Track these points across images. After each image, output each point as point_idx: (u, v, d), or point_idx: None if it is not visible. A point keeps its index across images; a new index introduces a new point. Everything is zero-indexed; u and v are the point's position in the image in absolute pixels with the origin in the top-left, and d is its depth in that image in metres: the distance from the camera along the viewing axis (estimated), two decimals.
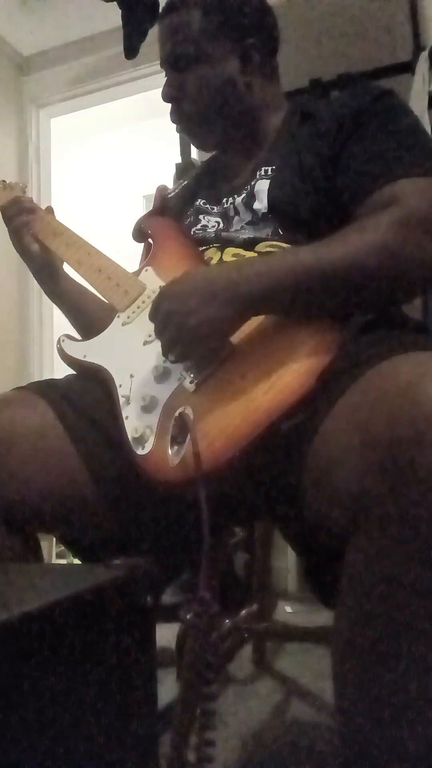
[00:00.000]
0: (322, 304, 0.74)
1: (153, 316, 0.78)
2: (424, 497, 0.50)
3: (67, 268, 1.05)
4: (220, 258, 0.89)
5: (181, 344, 0.74)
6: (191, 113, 0.96)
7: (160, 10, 1.01)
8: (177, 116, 0.98)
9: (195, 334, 0.73)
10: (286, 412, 0.69)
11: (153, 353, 0.81)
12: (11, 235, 1.03)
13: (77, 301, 1.05)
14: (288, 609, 1.90)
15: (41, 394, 0.82)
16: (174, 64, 0.95)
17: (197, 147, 1.07)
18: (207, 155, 1.12)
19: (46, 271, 1.03)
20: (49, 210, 1.06)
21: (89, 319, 1.01)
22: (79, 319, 1.04)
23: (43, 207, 1.09)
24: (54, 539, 2.07)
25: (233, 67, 0.94)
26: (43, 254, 1.02)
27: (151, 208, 1.12)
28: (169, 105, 0.98)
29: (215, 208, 0.97)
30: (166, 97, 0.96)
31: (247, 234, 0.89)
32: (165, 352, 0.77)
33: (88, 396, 0.83)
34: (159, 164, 3.22)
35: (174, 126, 1.01)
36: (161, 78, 0.99)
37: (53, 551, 2.41)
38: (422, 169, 0.79)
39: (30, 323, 2.84)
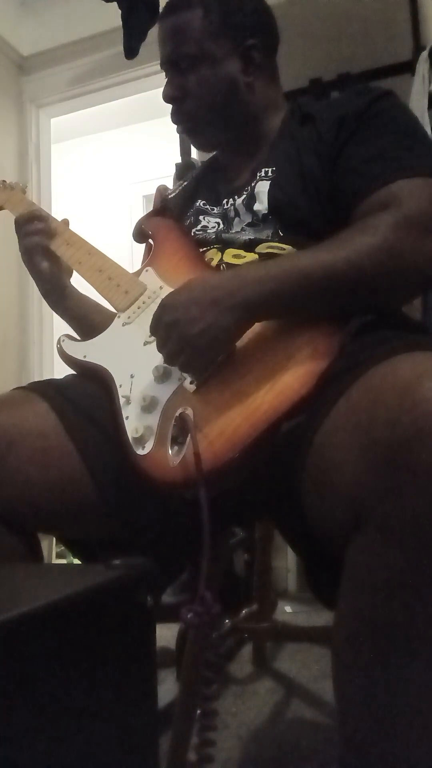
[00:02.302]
0: (322, 306, 0.74)
1: (155, 329, 0.77)
2: (423, 497, 0.50)
3: (74, 282, 1.05)
4: (221, 259, 0.89)
5: (185, 353, 0.74)
6: (192, 113, 0.96)
7: (160, 10, 1.01)
8: (178, 117, 0.98)
9: (197, 342, 0.72)
10: (286, 413, 0.69)
11: (153, 353, 0.80)
12: (22, 253, 1.01)
13: (85, 315, 1.03)
14: (288, 609, 1.90)
15: (41, 394, 0.82)
16: (175, 64, 0.94)
17: (198, 148, 1.07)
18: (207, 155, 1.11)
19: (55, 290, 1.02)
20: (65, 222, 1.04)
21: (97, 332, 1.00)
22: (87, 332, 1.03)
23: (42, 207, 1.09)
24: (54, 539, 2.07)
25: (235, 67, 0.94)
26: (53, 273, 1.00)
27: (151, 208, 1.12)
28: (170, 105, 0.98)
29: (215, 209, 0.98)
30: (167, 97, 0.96)
31: (248, 235, 0.89)
32: (169, 363, 0.77)
33: (88, 396, 0.83)
34: (159, 164, 3.23)
35: (174, 126, 1.01)
36: (161, 78, 0.99)
37: (53, 551, 2.41)
38: (421, 170, 0.79)
39: (30, 323, 2.84)
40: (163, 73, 0.98)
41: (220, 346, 0.74)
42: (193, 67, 0.93)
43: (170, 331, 0.74)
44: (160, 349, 0.77)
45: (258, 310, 0.74)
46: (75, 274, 1.01)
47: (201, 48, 0.92)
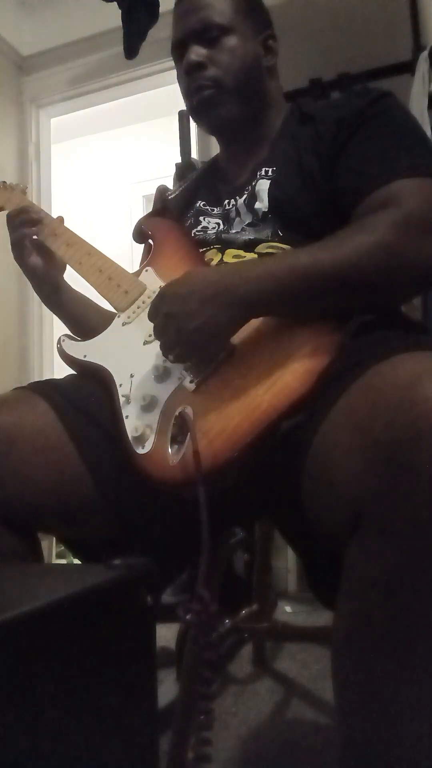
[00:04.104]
0: (321, 304, 0.74)
1: (152, 317, 0.78)
2: (423, 497, 0.50)
3: (67, 277, 1.05)
4: (221, 259, 0.89)
5: (181, 346, 0.75)
6: (217, 79, 0.93)
7: (162, 9, 1.00)
8: (203, 82, 0.94)
9: (194, 336, 0.73)
10: (285, 412, 0.69)
11: (153, 353, 0.81)
12: (12, 247, 1.01)
13: (78, 311, 1.03)
14: (288, 609, 1.90)
15: (41, 394, 0.82)
16: (201, 34, 0.94)
17: (208, 124, 1.02)
18: (207, 156, 1.11)
19: (46, 284, 1.02)
20: (60, 220, 1.03)
21: (91, 328, 0.98)
22: (80, 329, 1.02)
23: (43, 207, 1.09)
24: (54, 539, 2.07)
25: (258, 48, 0.96)
26: (44, 268, 1.00)
27: (151, 208, 1.11)
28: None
29: (215, 209, 0.98)
30: (191, 63, 0.93)
31: (248, 235, 0.89)
32: (165, 354, 0.77)
33: (88, 396, 0.83)
34: (159, 164, 3.23)
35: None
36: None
37: (53, 551, 2.41)
38: (420, 170, 0.79)
39: (30, 323, 2.84)
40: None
41: (217, 342, 0.74)
42: (221, 37, 0.94)
43: (167, 322, 0.74)
44: (157, 337, 0.77)
45: (256, 306, 0.74)
46: (75, 274, 1.01)
47: (232, 20, 0.94)
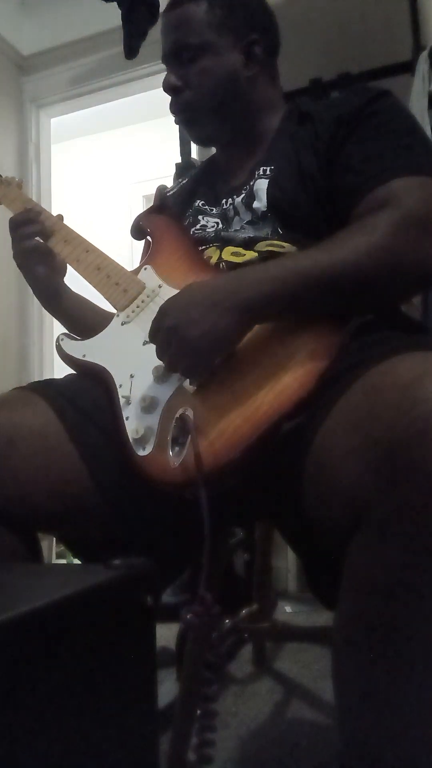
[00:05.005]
0: (322, 306, 0.74)
1: (153, 336, 0.76)
2: (423, 497, 0.50)
3: (66, 276, 1.04)
4: (219, 256, 0.89)
5: (187, 358, 0.73)
6: (192, 103, 0.95)
7: (162, 8, 1.01)
8: (177, 107, 0.97)
9: (200, 345, 0.72)
10: (286, 413, 0.69)
11: (153, 353, 0.80)
12: (17, 255, 0.99)
13: (78, 314, 1.03)
14: (288, 609, 1.90)
15: (41, 394, 0.82)
16: (178, 55, 0.95)
17: (195, 141, 1.06)
18: (207, 156, 1.11)
19: (47, 289, 1.01)
20: (59, 217, 1.03)
21: (90, 329, 0.96)
22: (80, 331, 1.00)
23: (42, 207, 1.08)
24: (54, 539, 2.07)
25: (236, 60, 0.94)
26: (46, 273, 0.99)
27: None
28: (168, 107, 0.98)
29: (214, 209, 0.98)
30: (167, 87, 0.96)
31: (247, 233, 0.89)
32: (170, 369, 0.76)
33: (88, 396, 0.83)
34: (159, 164, 3.23)
35: (174, 126, 1.01)
36: (161, 78, 0.99)
37: (53, 551, 2.41)
38: (419, 169, 0.79)
39: (30, 323, 2.84)
40: (163, 74, 0.98)
41: (222, 348, 0.74)
42: (196, 58, 0.93)
43: (171, 335, 0.73)
44: (160, 356, 0.76)
45: (259, 311, 0.73)
46: (74, 273, 1.01)
47: (204, 39, 0.93)
